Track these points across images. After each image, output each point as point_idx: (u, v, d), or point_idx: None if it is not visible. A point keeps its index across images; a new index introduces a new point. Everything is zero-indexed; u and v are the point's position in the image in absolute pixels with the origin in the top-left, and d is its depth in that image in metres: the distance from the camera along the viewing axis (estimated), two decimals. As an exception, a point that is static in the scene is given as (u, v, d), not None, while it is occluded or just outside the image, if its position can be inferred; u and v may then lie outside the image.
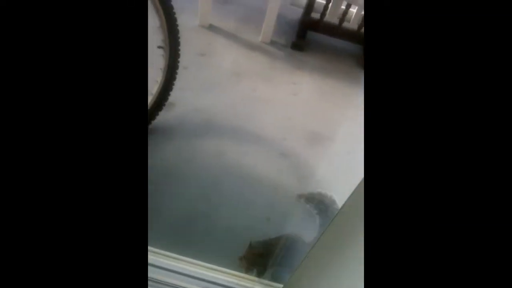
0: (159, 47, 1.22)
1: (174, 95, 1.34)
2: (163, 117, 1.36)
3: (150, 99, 1.28)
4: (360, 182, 0.49)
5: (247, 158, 1.38)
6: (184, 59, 1.29)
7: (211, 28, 1.98)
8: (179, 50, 1.25)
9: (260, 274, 0.96)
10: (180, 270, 0.85)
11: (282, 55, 1.97)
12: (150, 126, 1.32)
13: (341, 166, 1.44)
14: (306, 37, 2.03)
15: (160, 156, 1.29)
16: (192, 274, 0.86)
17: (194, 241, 1.07)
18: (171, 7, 1.14)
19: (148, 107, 1.29)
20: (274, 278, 0.94)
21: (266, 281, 0.91)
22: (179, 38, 1.22)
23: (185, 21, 1.21)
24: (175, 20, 1.17)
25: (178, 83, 1.32)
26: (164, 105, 1.32)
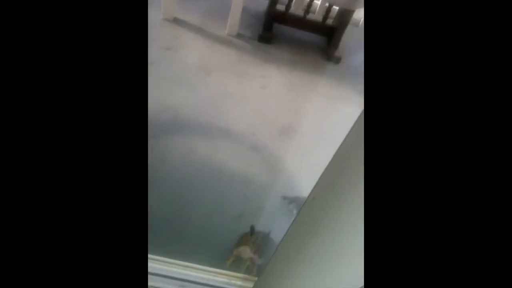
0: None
1: (140, 93, 1.30)
2: (129, 117, 1.32)
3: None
4: (323, 172, 0.51)
5: (218, 154, 1.38)
6: (150, 54, 1.25)
7: (176, 21, 1.92)
8: (143, 47, 1.21)
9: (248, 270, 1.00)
10: (156, 271, 0.85)
11: (249, 48, 1.96)
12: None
13: (311, 158, 1.48)
14: (272, 30, 2.03)
15: (129, 157, 1.26)
16: (168, 274, 0.86)
17: (169, 241, 1.07)
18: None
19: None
20: (249, 272, 0.97)
21: (241, 275, 0.93)
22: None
23: (150, 14, 1.17)
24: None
25: (143, 81, 1.28)
26: (130, 104, 1.28)
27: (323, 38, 2.14)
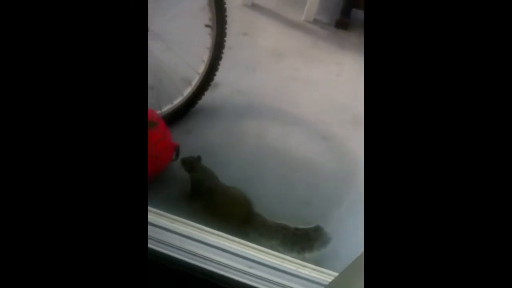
0: (206, 25, 1.22)
1: (219, 75, 1.35)
2: (208, 97, 1.37)
3: (197, 79, 1.29)
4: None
5: (288, 140, 1.37)
6: (228, 38, 1.28)
7: (254, 7, 1.93)
8: (225, 29, 1.24)
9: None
10: (227, 248, 0.87)
11: (326, 34, 1.89)
12: (196, 106, 1.34)
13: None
14: (350, 16, 1.93)
15: (204, 137, 1.31)
16: (238, 253, 0.88)
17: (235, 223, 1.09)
18: (219, -16, 1.13)
19: (195, 88, 1.30)
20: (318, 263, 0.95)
21: (309, 264, 0.92)
22: (226, 16, 1.21)
23: (229, 1, 1.19)
24: (222, -3, 1.16)
25: (223, 63, 1.31)
26: (209, 85, 1.33)
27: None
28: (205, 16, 1.20)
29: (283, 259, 0.90)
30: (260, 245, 0.92)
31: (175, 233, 0.87)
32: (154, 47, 1.18)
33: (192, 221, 0.90)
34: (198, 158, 1.08)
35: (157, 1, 1.20)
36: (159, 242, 0.86)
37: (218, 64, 1.30)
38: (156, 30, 1.14)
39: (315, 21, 1.93)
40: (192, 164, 1.07)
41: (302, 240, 1.01)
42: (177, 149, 1.14)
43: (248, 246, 0.91)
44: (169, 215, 0.90)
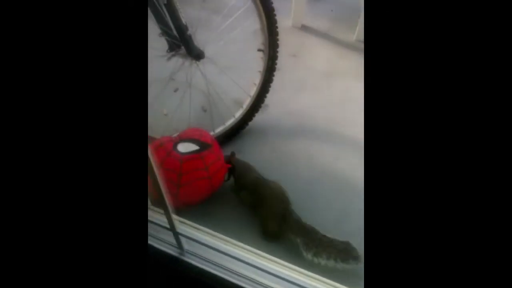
0: (259, 50, 1.24)
1: (269, 97, 1.36)
2: (258, 119, 1.38)
3: (249, 101, 1.32)
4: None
5: (339, 163, 1.32)
6: (278, 60, 1.29)
7: (304, 28, 1.95)
8: (277, 52, 1.25)
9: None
10: (269, 270, 0.85)
11: (378, 53, 1.84)
12: (246, 128, 1.36)
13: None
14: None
15: (255, 158, 1.31)
16: (279, 274, 0.85)
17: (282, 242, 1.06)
18: (272, 9, 1.15)
19: (246, 109, 1.32)
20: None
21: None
22: (278, 40, 1.23)
23: (279, 23, 1.21)
24: (275, 22, 1.18)
25: (272, 85, 1.32)
26: (260, 107, 1.34)
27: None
28: (258, 40, 1.23)
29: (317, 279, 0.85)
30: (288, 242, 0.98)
31: (226, 254, 0.87)
32: (208, 71, 1.23)
33: (242, 242, 0.89)
34: (232, 154, 1.15)
35: (212, 28, 1.25)
36: (214, 264, 0.86)
37: (269, 86, 1.31)
38: (210, 55, 1.18)
39: (367, 40, 1.88)
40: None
41: (329, 248, 0.99)
42: (230, 170, 1.16)
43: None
44: (222, 236, 0.90)
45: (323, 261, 0.98)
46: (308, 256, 0.99)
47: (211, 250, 0.87)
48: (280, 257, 0.87)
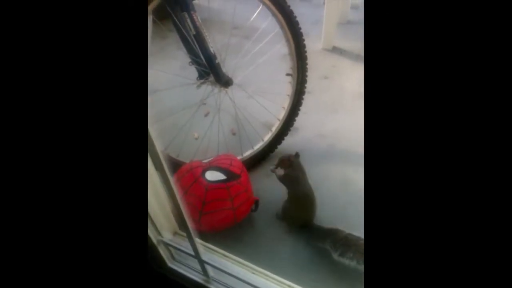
0: (287, 74, 1.25)
1: (298, 120, 1.34)
2: (288, 142, 1.37)
3: (277, 124, 1.31)
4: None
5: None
6: (308, 83, 1.28)
7: (334, 50, 1.94)
8: (306, 76, 1.24)
9: None
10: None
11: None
12: (276, 151, 1.34)
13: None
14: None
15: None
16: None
17: (322, 278, 1.00)
18: (301, 34, 1.16)
19: (275, 133, 1.31)
20: None
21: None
22: (307, 64, 1.22)
23: (309, 45, 1.20)
24: (303, 46, 1.18)
25: (302, 108, 1.31)
26: (289, 130, 1.33)
27: None
28: (287, 65, 1.23)
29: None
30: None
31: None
32: (238, 96, 1.25)
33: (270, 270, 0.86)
34: (297, 155, 1.12)
35: (240, 56, 1.28)
36: None
37: (298, 109, 1.30)
38: (239, 81, 1.21)
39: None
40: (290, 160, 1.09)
41: (355, 247, 0.97)
42: (256, 203, 1.15)
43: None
44: (248, 263, 0.87)
45: (347, 261, 0.96)
46: (336, 256, 0.98)
47: (235, 279, 0.85)
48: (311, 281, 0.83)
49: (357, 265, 0.95)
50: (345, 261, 0.96)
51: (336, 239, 1.00)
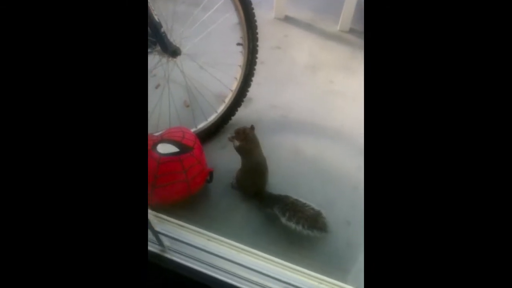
0: (238, 44, 1.23)
1: (252, 91, 1.35)
2: (241, 113, 1.38)
3: (230, 96, 1.31)
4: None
5: (325, 155, 1.32)
6: (261, 53, 1.28)
7: (287, 19, 1.93)
8: (257, 45, 1.24)
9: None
10: (262, 270, 0.85)
11: (362, 43, 1.83)
12: (230, 122, 1.35)
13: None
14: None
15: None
16: (273, 275, 0.85)
17: (273, 241, 1.06)
18: (250, 3, 1.14)
19: (228, 104, 1.31)
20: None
21: (348, 286, 0.86)
22: (257, 33, 1.21)
23: (261, 15, 1.19)
24: (253, 15, 1.16)
25: (255, 79, 1.32)
26: (242, 101, 1.33)
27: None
28: (236, 35, 1.21)
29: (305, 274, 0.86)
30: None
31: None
32: (188, 67, 1.22)
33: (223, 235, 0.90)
34: (252, 128, 1.13)
35: (188, 24, 1.24)
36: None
37: (251, 80, 1.30)
38: (188, 52, 1.17)
39: (351, 31, 1.88)
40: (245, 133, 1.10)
41: (300, 213, 1.03)
42: (211, 174, 1.16)
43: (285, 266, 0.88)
44: (201, 230, 0.90)
45: (293, 226, 1.03)
46: (284, 221, 1.04)
47: (191, 247, 0.87)
48: (264, 244, 0.88)
49: (302, 229, 1.02)
50: (292, 225, 1.03)
51: (284, 205, 1.06)
